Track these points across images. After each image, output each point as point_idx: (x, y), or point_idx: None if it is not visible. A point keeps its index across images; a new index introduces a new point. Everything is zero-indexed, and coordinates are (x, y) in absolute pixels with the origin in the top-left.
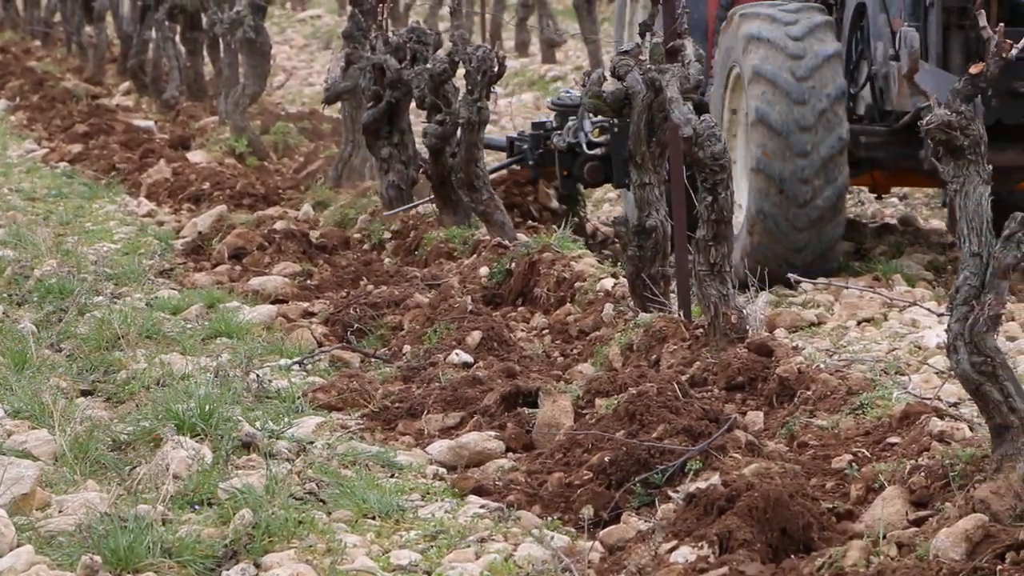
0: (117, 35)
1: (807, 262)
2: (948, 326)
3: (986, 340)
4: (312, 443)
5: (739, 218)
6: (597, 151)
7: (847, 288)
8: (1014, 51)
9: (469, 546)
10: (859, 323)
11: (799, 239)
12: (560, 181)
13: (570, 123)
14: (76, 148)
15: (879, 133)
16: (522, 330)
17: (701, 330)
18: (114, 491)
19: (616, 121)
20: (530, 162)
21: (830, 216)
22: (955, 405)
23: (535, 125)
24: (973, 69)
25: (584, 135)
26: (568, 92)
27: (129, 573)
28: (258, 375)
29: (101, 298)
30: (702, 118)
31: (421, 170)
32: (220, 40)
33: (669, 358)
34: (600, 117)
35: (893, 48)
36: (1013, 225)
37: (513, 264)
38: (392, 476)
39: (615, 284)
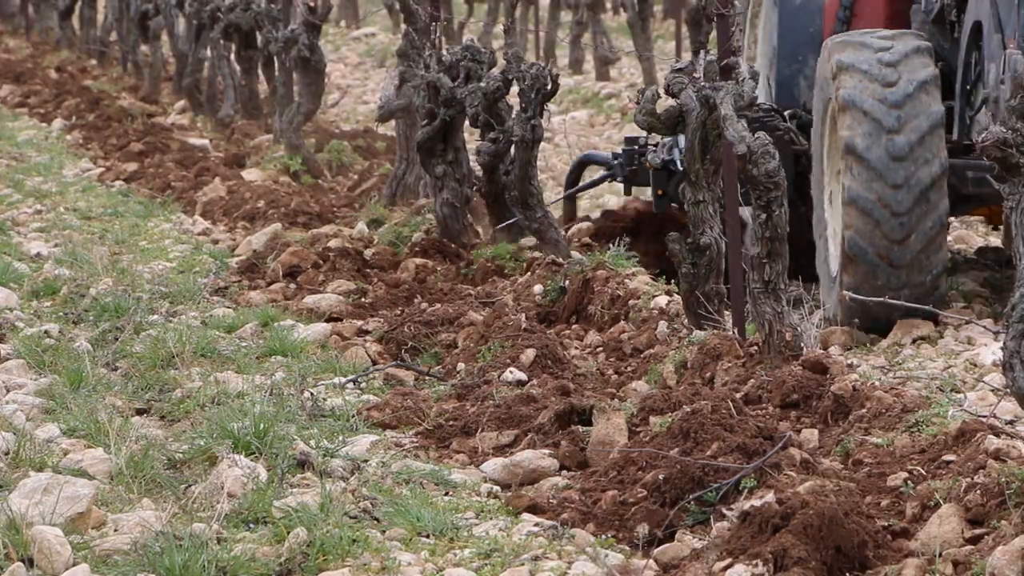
0: (172, 54)
1: (907, 302)
2: (1004, 343)
3: None
4: (366, 461)
5: (835, 255)
6: None
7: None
8: None
9: (523, 564)
10: (914, 341)
11: (897, 278)
12: (654, 201)
13: (665, 139)
14: (131, 167)
15: (986, 168)
16: (576, 348)
17: (755, 348)
18: (169, 509)
19: None
20: (620, 179)
21: (929, 252)
22: (1011, 423)
23: (628, 140)
24: None
25: (679, 152)
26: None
27: None
28: (312, 393)
29: (156, 317)
30: (756, 135)
31: (475, 188)
32: (275, 59)
33: (723, 375)
34: None
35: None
36: None
37: (567, 282)
38: (446, 494)
39: (669, 302)
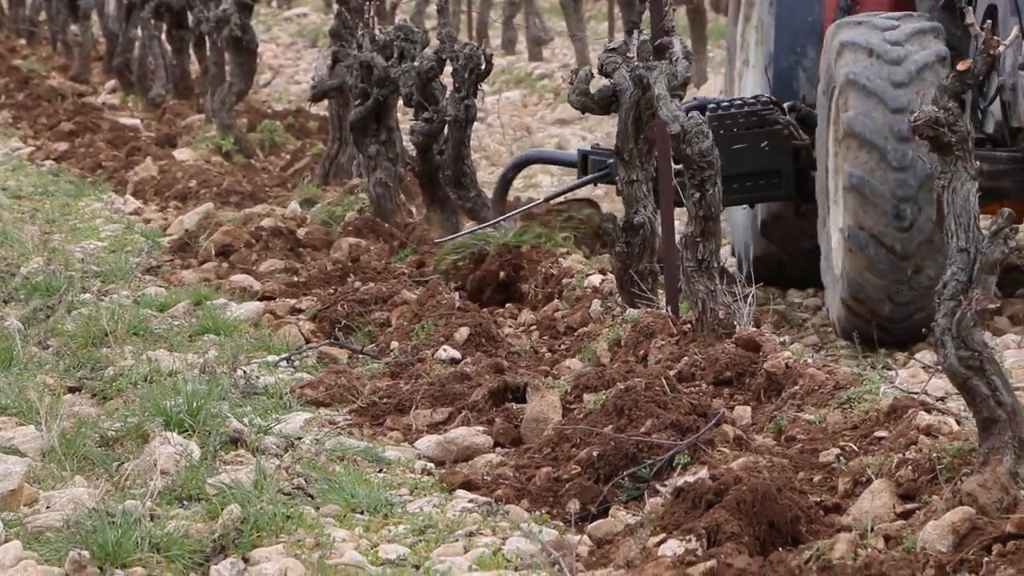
0: (103, 33)
1: (914, 296)
2: (935, 321)
3: (973, 335)
4: (300, 439)
5: (839, 250)
6: None
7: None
8: (1001, 48)
9: (457, 540)
10: None
11: (902, 269)
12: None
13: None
14: (62, 146)
15: (1001, 160)
16: (510, 326)
17: (689, 326)
18: (102, 487)
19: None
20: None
21: (938, 239)
22: (942, 399)
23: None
24: (960, 66)
25: None
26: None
27: (117, 568)
28: (245, 371)
29: (88, 296)
30: (689, 115)
31: (408, 168)
32: (206, 38)
33: (657, 353)
34: None
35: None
36: (1000, 221)
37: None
38: (380, 471)
39: (603, 280)
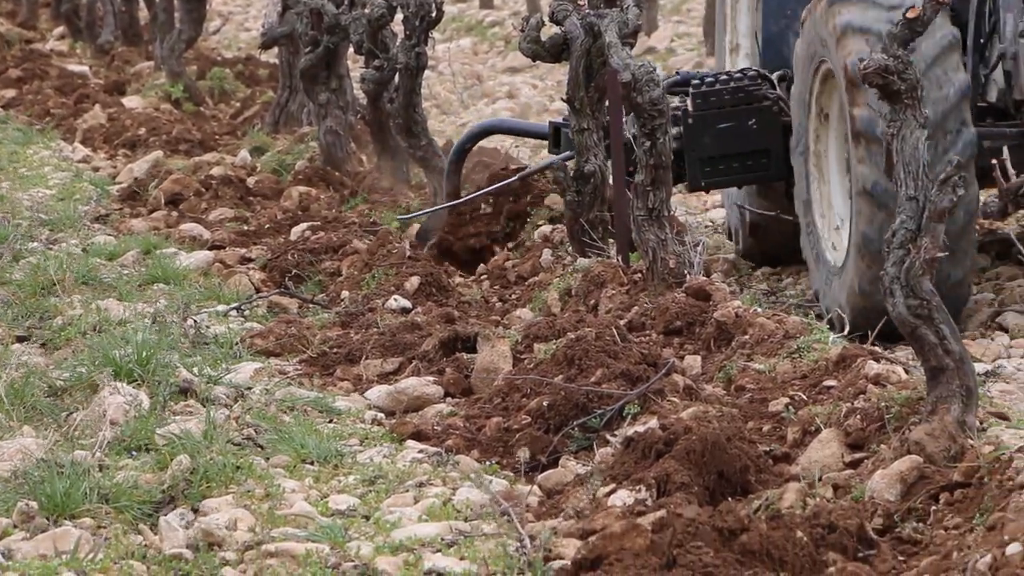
0: None
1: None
2: (884, 269)
3: (922, 283)
4: (250, 389)
5: (840, 248)
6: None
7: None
8: None
9: (408, 491)
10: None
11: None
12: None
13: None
14: (9, 93)
15: (1005, 136)
16: (460, 275)
17: (639, 275)
18: (51, 437)
19: (691, 110)
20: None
21: (957, 245)
22: (890, 348)
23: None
24: (910, 13)
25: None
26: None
27: (66, 519)
28: (195, 321)
29: (36, 244)
30: (640, 63)
31: (359, 116)
32: None
33: (607, 303)
34: (672, 104)
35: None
36: (949, 169)
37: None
38: (330, 422)
39: (553, 230)
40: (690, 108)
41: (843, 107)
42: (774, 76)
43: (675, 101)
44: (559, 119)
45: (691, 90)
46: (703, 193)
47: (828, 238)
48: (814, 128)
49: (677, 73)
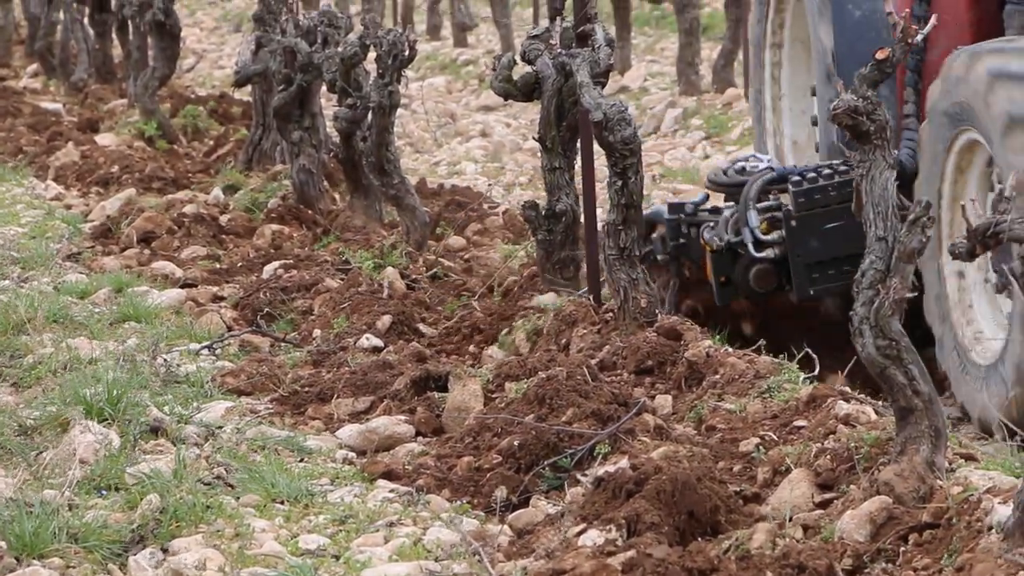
0: (24, 16)
1: None
2: (854, 310)
3: (891, 324)
4: (221, 428)
5: (988, 348)
6: (768, 252)
7: None
8: (919, 36)
9: (378, 530)
10: None
11: None
12: (715, 290)
13: (726, 213)
14: None
15: None
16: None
17: (610, 314)
18: (20, 476)
19: (793, 211)
20: (660, 257)
21: None
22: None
23: (672, 207)
24: (879, 54)
25: (749, 230)
26: (740, 162)
27: (35, 558)
28: (166, 359)
29: (7, 282)
30: (612, 102)
31: (332, 154)
32: (129, 22)
33: (579, 342)
34: (769, 203)
35: None
36: (918, 210)
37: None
38: (301, 460)
39: (522, 266)
40: (792, 208)
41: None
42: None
43: (770, 200)
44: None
45: (791, 188)
46: None
47: (979, 351)
48: (947, 198)
49: (771, 169)
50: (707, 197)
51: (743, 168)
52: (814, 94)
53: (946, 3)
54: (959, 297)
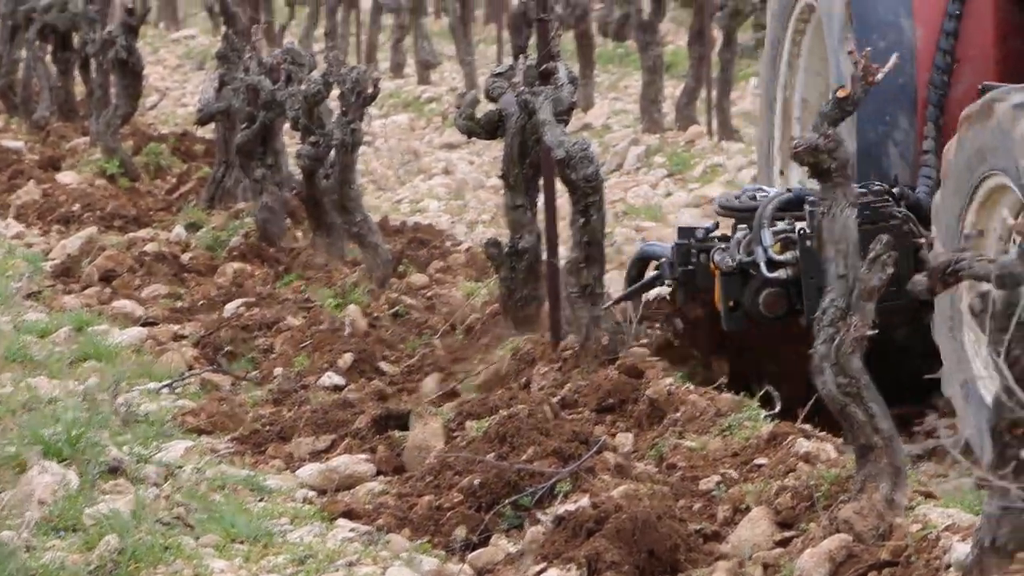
0: None
1: None
2: (815, 348)
3: (851, 362)
4: (180, 467)
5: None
6: (780, 273)
7: None
8: (880, 75)
9: (338, 570)
10: None
11: None
12: (723, 315)
13: (738, 235)
14: None
15: None
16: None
17: (572, 352)
18: None
19: (808, 231)
20: (667, 283)
21: None
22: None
23: (682, 232)
24: (840, 93)
25: (762, 249)
26: (749, 191)
27: None
28: (127, 399)
29: None
30: (574, 140)
31: (294, 192)
32: (91, 60)
33: (540, 380)
34: (784, 225)
35: None
36: (879, 247)
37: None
38: (261, 500)
39: (484, 303)
40: (808, 229)
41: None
42: (893, 190)
43: (783, 224)
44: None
45: (808, 208)
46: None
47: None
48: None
49: (788, 190)
50: (717, 225)
51: (754, 196)
52: None
53: (972, 39)
54: (973, 334)
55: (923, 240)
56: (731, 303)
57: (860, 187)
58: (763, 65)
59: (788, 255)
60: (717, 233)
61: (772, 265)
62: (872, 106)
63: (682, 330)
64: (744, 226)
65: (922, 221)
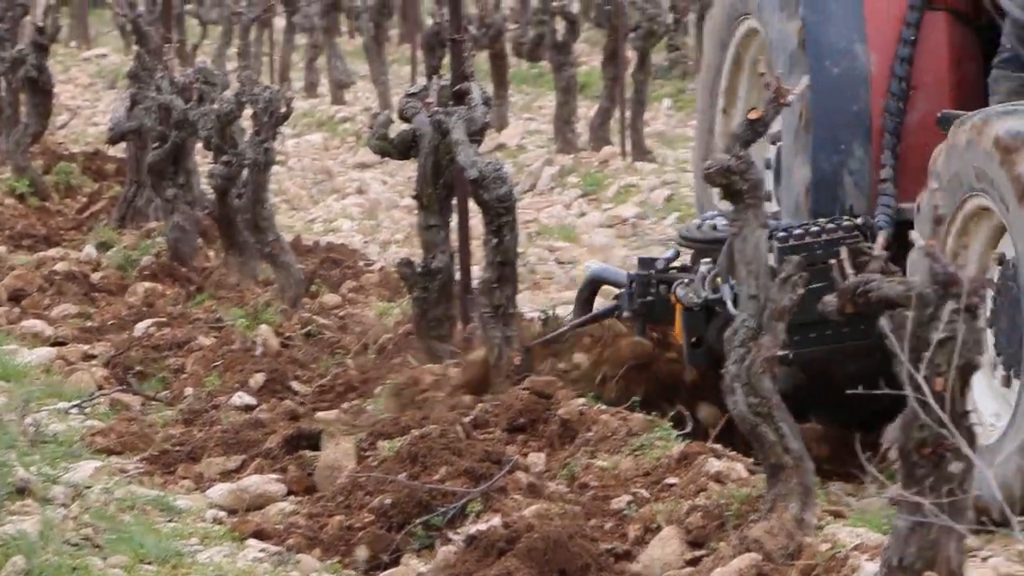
0: None
1: None
2: (726, 368)
3: (762, 382)
4: (89, 488)
5: (993, 434)
6: None
7: None
8: (791, 97)
9: None
10: None
11: None
12: (685, 351)
13: (703, 268)
14: None
15: None
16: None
17: (486, 372)
18: None
19: (776, 267)
20: (625, 314)
21: None
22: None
23: (643, 262)
24: (752, 115)
25: (729, 287)
26: (708, 219)
27: None
28: (35, 419)
29: None
30: (488, 161)
31: (206, 211)
32: (1, 79)
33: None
34: None
35: None
36: (789, 268)
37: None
38: (171, 520)
39: (396, 323)
40: (775, 265)
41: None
42: (850, 223)
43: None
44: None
45: (776, 243)
46: (550, 291)
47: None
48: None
49: (781, 225)
50: (678, 254)
51: (715, 225)
52: (768, 167)
53: (927, 65)
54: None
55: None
56: (693, 339)
57: (828, 222)
58: (700, 88)
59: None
60: (677, 263)
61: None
62: (826, 135)
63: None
64: (708, 260)
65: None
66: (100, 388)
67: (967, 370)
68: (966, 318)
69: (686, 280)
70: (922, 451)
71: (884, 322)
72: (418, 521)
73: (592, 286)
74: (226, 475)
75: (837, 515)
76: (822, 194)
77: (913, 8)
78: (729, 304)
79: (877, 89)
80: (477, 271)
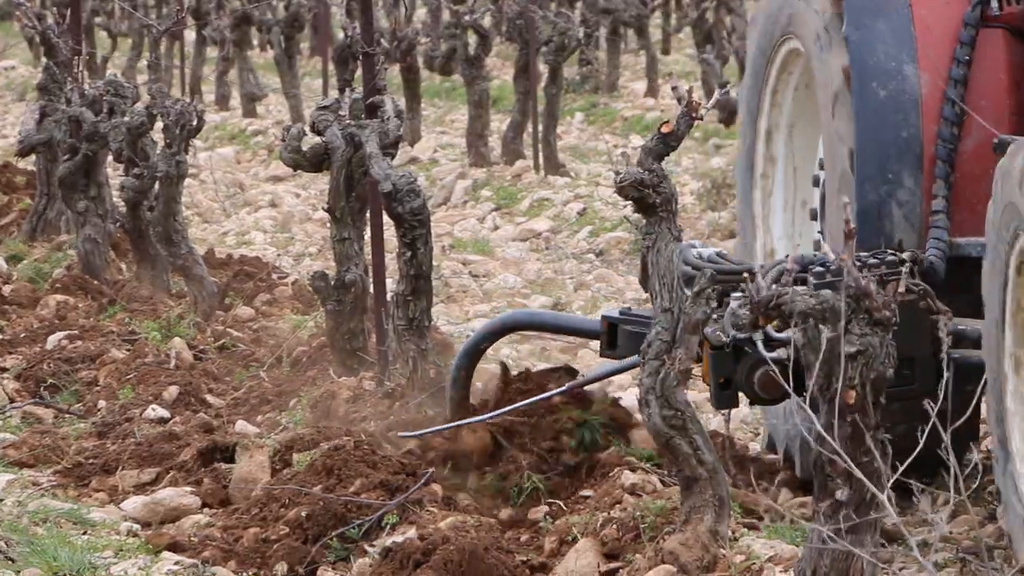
0: None
1: None
2: (640, 380)
3: (676, 394)
4: (2, 500)
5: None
6: (780, 353)
7: None
8: (702, 111)
9: None
10: None
11: None
12: (713, 392)
13: (733, 304)
14: None
15: None
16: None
17: (399, 385)
18: None
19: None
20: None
21: None
22: (649, 458)
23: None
24: (664, 128)
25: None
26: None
27: None
28: None
29: None
30: (401, 173)
31: (118, 224)
32: None
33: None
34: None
35: None
36: (703, 281)
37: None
38: (85, 533)
39: (311, 336)
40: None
41: None
42: (896, 256)
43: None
44: (614, 311)
45: (812, 280)
46: (466, 304)
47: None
48: (1012, 327)
49: (805, 259)
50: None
51: (719, 253)
52: (816, 184)
53: (983, 87)
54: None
55: (941, 316)
56: (721, 380)
57: (872, 255)
58: (744, 93)
59: (790, 332)
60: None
61: (770, 343)
62: (873, 163)
63: None
64: (739, 294)
65: (936, 287)
66: (12, 401)
67: (878, 383)
68: (878, 332)
69: (712, 317)
70: (834, 468)
71: (796, 335)
72: (334, 533)
73: (502, 334)
74: (140, 488)
75: (751, 527)
76: (868, 227)
77: (968, 25)
78: (759, 345)
79: (928, 113)
80: (391, 284)
